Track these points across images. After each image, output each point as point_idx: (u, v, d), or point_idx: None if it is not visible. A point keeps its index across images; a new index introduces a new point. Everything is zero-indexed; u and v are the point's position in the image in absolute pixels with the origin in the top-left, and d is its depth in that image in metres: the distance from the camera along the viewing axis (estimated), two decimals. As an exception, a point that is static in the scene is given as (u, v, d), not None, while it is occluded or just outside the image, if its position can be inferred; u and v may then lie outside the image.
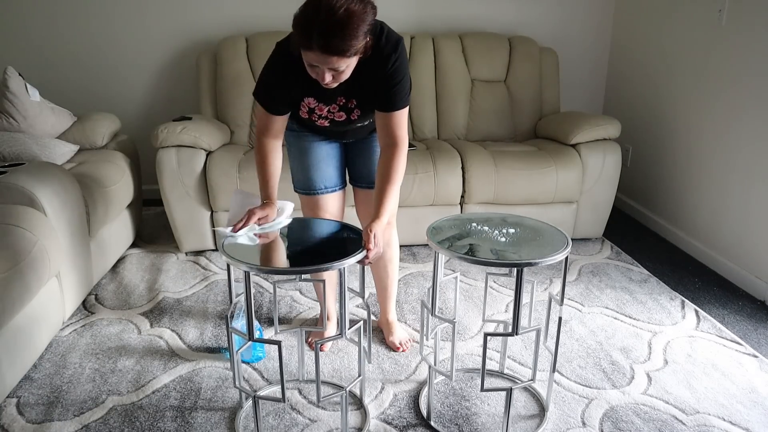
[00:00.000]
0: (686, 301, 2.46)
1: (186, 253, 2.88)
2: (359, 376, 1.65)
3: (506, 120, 3.33)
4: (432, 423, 1.73)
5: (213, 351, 2.08)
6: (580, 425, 1.73)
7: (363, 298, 1.69)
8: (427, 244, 2.70)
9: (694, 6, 2.88)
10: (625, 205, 3.56)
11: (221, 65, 3.16)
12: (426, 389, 1.87)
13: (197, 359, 2.03)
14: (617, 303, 2.44)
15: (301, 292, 2.49)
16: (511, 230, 1.67)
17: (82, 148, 2.83)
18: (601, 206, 3.00)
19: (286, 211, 1.67)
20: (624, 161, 3.49)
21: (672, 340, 2.17)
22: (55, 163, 2.31)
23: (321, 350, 2.05)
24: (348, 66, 1.46)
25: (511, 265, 1.48)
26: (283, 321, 2.28)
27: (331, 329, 2.13)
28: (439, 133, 3.32)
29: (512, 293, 2.51)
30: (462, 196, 2.88)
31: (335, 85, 1.53)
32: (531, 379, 1.68)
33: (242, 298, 1.77)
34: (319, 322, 2.25)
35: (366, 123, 1.80)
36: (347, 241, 1.58)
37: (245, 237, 1.56)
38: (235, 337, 1.67)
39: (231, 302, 1.64)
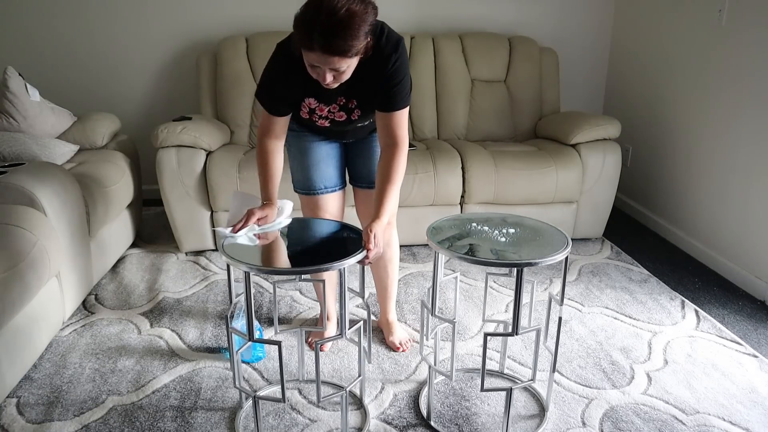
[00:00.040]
0: (686, 301, 2.46)
1: (186, 253, 2.88)
2: (359, 376, 1.65)
3: (506, 120, 3.33)
4: (432, 423, 1.73)
5: (213, 351, 2.08)
6: (580, 425, 1.73)
7: (363, 298, 1.69)
8: (427, 244, 2.70)
9: (694, 6, 2.88)
10: (625, 205, 3.56)
11: (221, 65, 3.16)
12: (426, 389, 1.87)
13: (197, 359, 2.03)
14: (617, 303, 2.44)
15: (301, 292, 2.49)
16: (511, 230, 1.67)
17: (82, 148, 2.83)
18: (601, 206, 3.00)
19: (285, 210, 1.67)
20: (624, 161, 3.49)
21: (672, 340, 2.17)
22: (55, 163, 2.31)
23: (321, 350, 2.05)
24: (349, 66, 1.47)
25: (511, 265, 1.48)
26: (283, 321, 2.28)
27: (331, 329, 2.13)
28: (439, 133, 3.32)
29: (512, 293, 2.51)
30: (462, 196, 2.88)
31: (336, 85, 1.53)
32: (531, 379, 1.68)
33: (242, 298, 1.77)
34: (319, 322, 2.25)
35: (366, 123, 1.80)
36: (347, 241, 1.58)
37: (245, 237, 1.56)
38: (235, 337, 1.67)
39: (231, 302, 1.64)
